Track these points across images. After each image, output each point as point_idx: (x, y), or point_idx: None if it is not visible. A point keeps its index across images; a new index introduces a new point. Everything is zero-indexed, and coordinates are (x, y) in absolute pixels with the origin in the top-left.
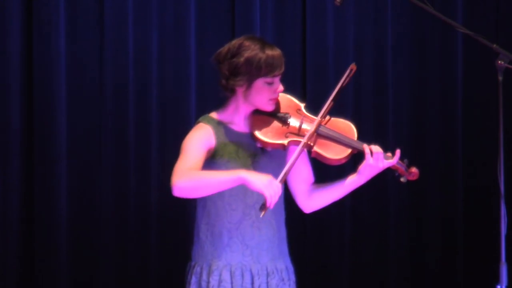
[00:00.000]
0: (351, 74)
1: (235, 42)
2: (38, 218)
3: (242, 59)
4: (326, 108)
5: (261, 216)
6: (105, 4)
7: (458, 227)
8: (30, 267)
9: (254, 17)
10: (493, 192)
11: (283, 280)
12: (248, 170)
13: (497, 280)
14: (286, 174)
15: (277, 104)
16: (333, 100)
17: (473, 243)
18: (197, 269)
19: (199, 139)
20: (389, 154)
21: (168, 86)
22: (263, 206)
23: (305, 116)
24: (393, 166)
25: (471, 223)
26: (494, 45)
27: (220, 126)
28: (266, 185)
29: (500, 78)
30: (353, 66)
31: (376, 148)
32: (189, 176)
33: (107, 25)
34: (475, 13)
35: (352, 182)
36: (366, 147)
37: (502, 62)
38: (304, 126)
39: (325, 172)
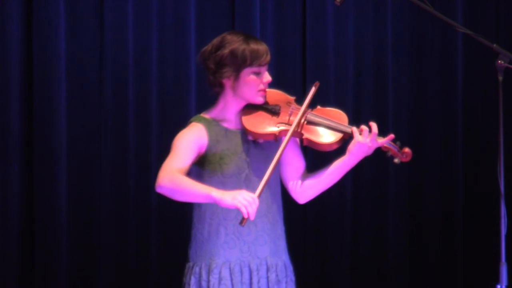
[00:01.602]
0: (315, 91)
1: (217, 38)
2: (38, 218)
3: (226, 51)
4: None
5: (242, 225)
6: (105, 4)
7: (458, 227)
8: (30, 267)
9: (254, 17)
10: (493, 192)
11: (277, 276)
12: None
13: (497, 280)
14: (265, 183)
15: (268, 98)
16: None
17: (473, 243)
18: (196, 269)
19: (190, 137)
20: (381, 137)
21: (168, 86)
22: (242, 219)
23: (295, 107)
24: (384, 147)
25: (471, 223)
26: (494, 45)
27: (212, 124)
28: (236, 198)
29: (500, 78)
30: (316, 83)
31: (365, 127)
32: (172, 180)
33: (107, 25)
34: (475, 13)
35: (343, 163)
36: (354, 128)
37: (502, 62)
38: (294, 116)
39: (320, 164)
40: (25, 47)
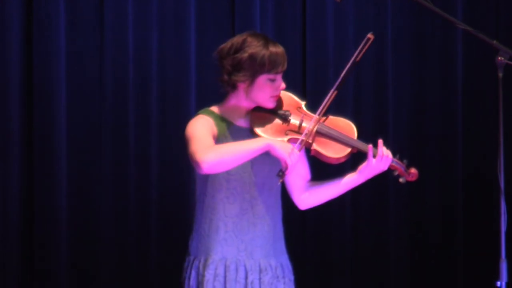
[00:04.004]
0: (367, 45)
1: (238, 38)
2: (38, 218)
3: (245, 55)
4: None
5: (279, 182)
6: (105, 4)
7: (458, 224)
8: (30, 267)
9: (254, 17)
10: (493, 189)
11: (277, 277)
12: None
13: (497, 277)
14: (303, 144)
15: (278, 102)
16: (343, 80)
17: (473, 240)
18: (196, 263)
19: (204, 124)
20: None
21: (168, 86)
22: (281, 173)
23: (305, 114)
24: (392, 165)
25: (471, 220)
26: (494, 42)
27: (220, 119)
28: (289, 152)
29: (500, 74)
30: (370, 36)
31: (386, 151)
32: (216, 151)
33: (107, 25)
34: (475, 10)
35: (351, 181)
36: (370, 149)
37: (502, 59)
38: (304, 124)
39: (324, 171)
40: (25, 47)
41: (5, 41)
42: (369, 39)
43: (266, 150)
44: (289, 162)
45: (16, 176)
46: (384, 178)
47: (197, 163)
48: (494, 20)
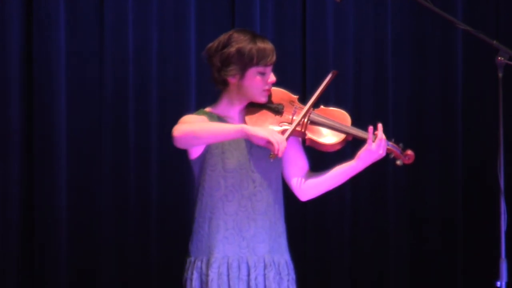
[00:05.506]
0: (331, 79)
1: (224, 35)
2: (38, 218)
3: (233, 49)
4: (317, 96)
5: (271, 160)
6: (105, 4)
7: (458, 224)
8: (30, 267)
9: (254, 17)
10: (493, 189)
11: (280, 274)
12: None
13: (497, 277)
14: (290, 134)
15: (271, 96)
16: (316, 100)
17: (473, 240)
18: (197, 264)
19: (196, 117)
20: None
21: (168, 86)
22: (272, 154)
23: (298, 106)
24: (388, 149)
25: (471, 220)
26: (494, 42)
27: (214, 118)
28: (270, 132)
29: (500, 74)
30: (334, 72)
31: (380, 135)
32: (191, 124)
33: (107, 25)
34: (475, 10)
35: (350, 168)
36: (371, 131)
37: (502, 59)
38: (297, 116)
39: (323, 161)
40: (25, 46)
41: (5, 41)
42: (333, 73)
43: (243, 135)
44: (272, 140)
45: (16, 176)
46: (384, 178)
47: (172, 135)
48: (494, 20)
